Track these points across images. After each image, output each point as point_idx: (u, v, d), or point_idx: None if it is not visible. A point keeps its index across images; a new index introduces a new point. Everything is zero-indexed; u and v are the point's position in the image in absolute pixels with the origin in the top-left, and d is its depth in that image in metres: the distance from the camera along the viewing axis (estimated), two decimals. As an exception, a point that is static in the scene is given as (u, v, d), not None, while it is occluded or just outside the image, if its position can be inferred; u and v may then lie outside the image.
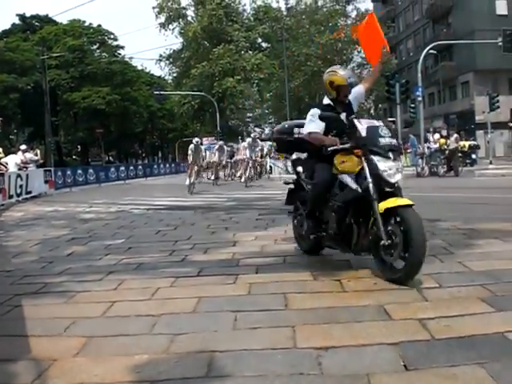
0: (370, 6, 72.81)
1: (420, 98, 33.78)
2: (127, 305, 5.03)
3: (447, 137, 27.01)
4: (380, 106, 71.36)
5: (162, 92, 57.50)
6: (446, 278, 5.37)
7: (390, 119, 35.02)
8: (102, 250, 8.07)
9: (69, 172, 27.73)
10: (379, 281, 5.42)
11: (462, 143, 33.07)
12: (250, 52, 57.54)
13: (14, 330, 4.43)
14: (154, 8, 58.07)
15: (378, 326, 4.16)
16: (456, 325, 4.07)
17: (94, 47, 62.34)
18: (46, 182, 23.79)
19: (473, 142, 37.12)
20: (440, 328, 4.01)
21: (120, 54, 64.18)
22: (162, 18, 58.57)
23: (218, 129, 53.34)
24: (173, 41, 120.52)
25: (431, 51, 44.27)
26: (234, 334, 4.16)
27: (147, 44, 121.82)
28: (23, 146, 24.94)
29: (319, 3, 59.62)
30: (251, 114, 67.65)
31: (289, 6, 60.07)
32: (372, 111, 72.96)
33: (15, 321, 4.69)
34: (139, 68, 69.01)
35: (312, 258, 6.71)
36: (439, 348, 3.68)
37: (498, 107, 33.55)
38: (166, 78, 69.55)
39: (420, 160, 25.86)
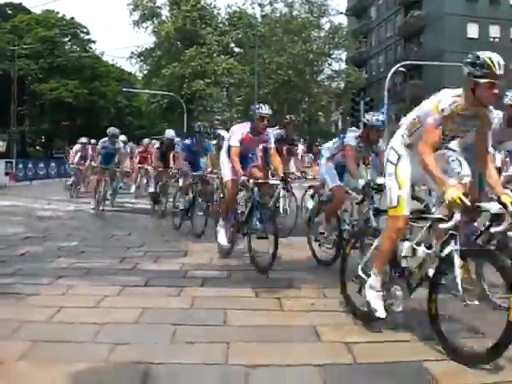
0: (344, 19, 73.54)
1: (385, 114, 34.41)
2: (73, 311, 5.22)
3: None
4: (348, 118, 72.20)
5: (130, 89, 57.44)
6: (379, 303, 5.65)
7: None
8: (54, 252, 8.22)
9: (30, 165, 27.58)
10: (317, 301, 5.72)
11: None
12: (222, 56, 57.69)
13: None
14: (128, 5, 57.98)
15: (307, 347, 4.44)
16: (380, 350, 4.38)
17: (66, 39, 62.00)
18: (6, 173, 23.66)
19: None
20: (364, 352, 4.30)
21: (91, 48, 64.12)
22: (136, 16, 58.47)
23: (185, 130, 53.43)
24: (145, 40, 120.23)
25: (400, 69, 45.02)
26: (172, 347, 4.40)
27: (119, 41, 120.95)
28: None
29: (294, 13, 60.13)
30: (220, 117, 67.84)
31: (263, 13, 60.46)
32: (340, 123, 73.83)
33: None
34: (110, 62, 68.84)
35: (257, 274, 6.97)
36: (360, 372, 3.97)
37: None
38: (137, 74, 69.55)
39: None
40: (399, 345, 4.51)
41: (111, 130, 13.80)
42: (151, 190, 14.00)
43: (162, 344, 4.44)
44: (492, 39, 56.05)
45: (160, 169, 13.55)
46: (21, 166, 26.01)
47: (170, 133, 13.99)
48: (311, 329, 4.83)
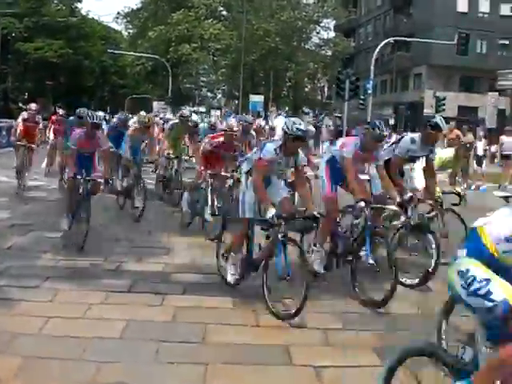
0: (334, -14, 72.84)
1: (370, 91, 34.77)
2: (61, 322, 5.53)
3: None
4: (334, 85, 72.10)
5: (116, 51, 57.09)
6: (350, 319, 6.01)
7: (336, 115, 35.82)
8: (41, 245, 8.46)
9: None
10: (292, 315, 6.04)
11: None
12: (210, 20, 57.21)
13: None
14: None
15: (279, 371, 4.80)
16: (349, 376, 4.74)
17: (51, -3, 61.22)
18: (-10, 141, 23.46)
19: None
20: (333, 379, 4.66)
21: (77, 7, 63.30)
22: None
23: (170, 94, 53.38)
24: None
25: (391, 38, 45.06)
26: (154, 368, 4.73)
27: (106, 1, 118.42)
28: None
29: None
30: (205, 79, 67.60)
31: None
32: (326, 90, 73.68)
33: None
34: (96, 19, 68.08)
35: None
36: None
37: (444, 110, 34.85)
38: (123, 32, 69.13)
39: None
40: (364, 370, 4.85)
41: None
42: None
43: (146, 364, 4.77)
44: (481, 14, 55.98)
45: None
46: (4, 133, 25.73)
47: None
48: (284, 349, 5.18)
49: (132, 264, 7.75)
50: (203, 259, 8.10)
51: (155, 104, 53.87)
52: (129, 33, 67.43)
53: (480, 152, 21.21)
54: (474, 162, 20.83)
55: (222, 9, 62.62)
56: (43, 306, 5.91)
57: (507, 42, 49.99)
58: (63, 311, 5.81)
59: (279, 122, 26.49)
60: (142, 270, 7.51)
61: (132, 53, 58.84)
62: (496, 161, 22.28)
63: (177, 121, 12.70)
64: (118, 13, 62.04)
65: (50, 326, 5.42)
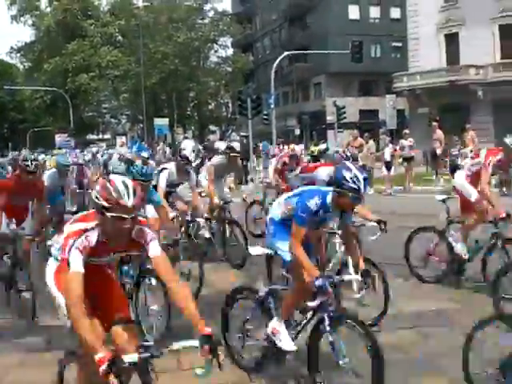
0: (229, 5, 73.79)
1: (272, 105, 35.23)
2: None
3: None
4: (236, 102, 72.69)
5: (12, 87, 55.74)
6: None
7: (242, 134, 36.08)
8: None
9: None
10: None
11: (312, 148, 34.62)
12: (106, 48, 56.65)
13: None
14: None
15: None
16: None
17: None
18: None
19: (322, 147, 38.96)
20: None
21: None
22: (14, 10, 56.85)
23: (72, 125, 52.32)
24: (25, 33, 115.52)
25: (286, 52, 45.90)
26: None
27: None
28: None
29: (177, 1, 59.93)
30: (107, 105, 66.79)
31: (146, 3, 59.55)
32: (230, 105, 74.17)
33: None
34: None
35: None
36: None
37: (345, 117, 35.97)
38: (19, 65, 67.70)
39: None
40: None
41: None
42: None
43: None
44: (373, 20, 58.02)
45: None
46: None
47: None
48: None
49: (50, 317, 7.44)
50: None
51: (57, 137, 52.61)
52: (24, 66, 66.01)
53: (387, 157, 21.83)
54: (383, 167, 21.49)
55: (117, 35, 62.13)
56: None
57: (400, 45, 51.96)
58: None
59: (187, 145, 26.31)
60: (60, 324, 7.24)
61: (29, 87, 57.57)
62: (399, 163, 22.92)
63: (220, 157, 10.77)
64: (12, 47, 60.76)
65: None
